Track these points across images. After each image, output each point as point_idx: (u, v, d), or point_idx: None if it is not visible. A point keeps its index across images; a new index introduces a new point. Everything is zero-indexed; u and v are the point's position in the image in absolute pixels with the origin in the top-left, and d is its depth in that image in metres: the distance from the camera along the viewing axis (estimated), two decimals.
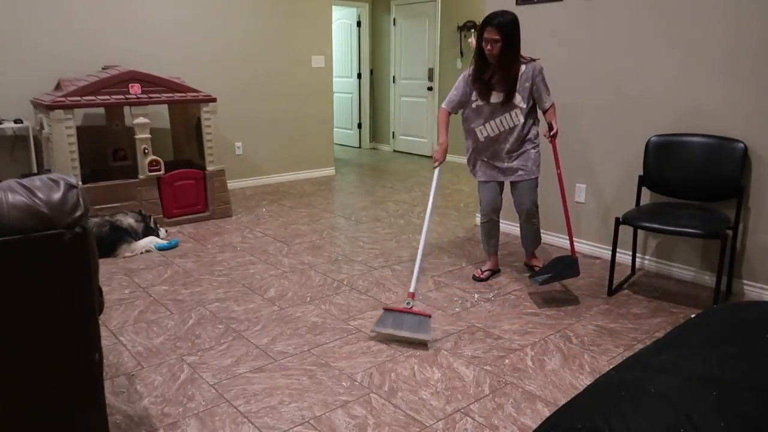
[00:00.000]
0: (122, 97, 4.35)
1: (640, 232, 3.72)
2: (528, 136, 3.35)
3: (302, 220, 4.85)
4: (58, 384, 1.58)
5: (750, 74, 3.16)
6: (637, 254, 3.75)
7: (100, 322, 1.68)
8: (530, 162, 3.37)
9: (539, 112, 3.40)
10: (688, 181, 3.34)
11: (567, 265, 3.28)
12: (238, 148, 6.00)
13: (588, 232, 4.04)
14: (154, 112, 5.07)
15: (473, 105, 3.33)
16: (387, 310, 2.83)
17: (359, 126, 8.95)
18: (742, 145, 3.17)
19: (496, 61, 3.15)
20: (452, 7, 7.41)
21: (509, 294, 3.35)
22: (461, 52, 7.39)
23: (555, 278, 3.21)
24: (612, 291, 3.36)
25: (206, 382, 2.42)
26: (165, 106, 5.20)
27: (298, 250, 4.11)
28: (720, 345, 1.29)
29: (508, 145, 3.34)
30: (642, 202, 3.54)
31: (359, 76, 8.70)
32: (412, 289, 2.95)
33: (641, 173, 3.53)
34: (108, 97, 4.30)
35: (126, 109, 4.76)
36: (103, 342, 2.72)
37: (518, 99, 3.24)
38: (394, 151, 8.62)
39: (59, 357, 1.57)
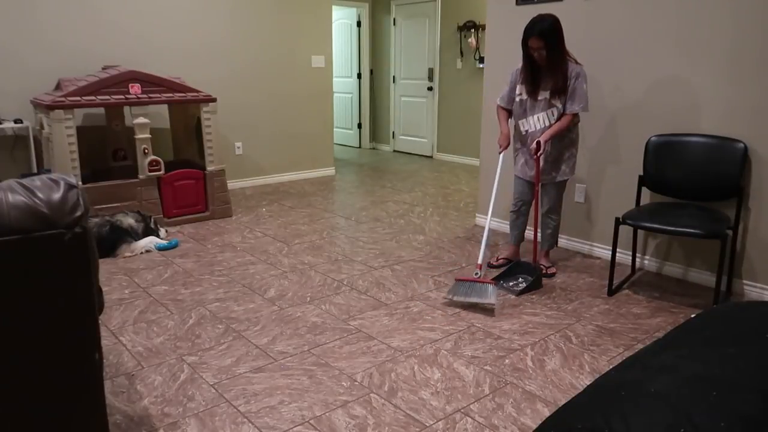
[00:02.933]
0: (122, 97, 4.35)
1: (640, 232, 3.72)
2: (564, 138, 3.42)
3: (302, 220, 4.85)
4: (58, 384, 1.58)
5: (750, 74, 3.16)
6: (637, 254, 3.75)
7: (100, 322, 1.68)
8: (563, 164, 3.47)
9: (580, 115, 3.55)
10: (688, 181, 3.34)
11: (534, 278, 3.41)
12: (238, 148, 6.00)
13: (588, 232, 4.04)
14: (154, 112, 5.08)
15: (517, 99, 3.46)
16: (458, 280, 3.22)
17: (359, 126, 8.95)
18: (742, 145, 3.17)
19: (545, 64, 3.28)
20: (452, 7, 7.41)
21: (509, 294, 3.35)
22: (461, 52, 7.39)
23: (527, 290, 3.36)
24: (612, 291, 3.36)
25: (206, 382, 2.42)
26: (165, 106, 5.20)
27: (298, 250, 4.12)
28: (720, 345, 1.29)
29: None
30: (642, 202, 3.54)
31: (359, 76, 8.70)
32: (479, 261, 3.38)
33: (641, 173, 3.52)
34: (108, 97, 4.30)
35: (126, 109, 4.76)
36: (103, 342, 2.73)
37: (557, 99, 3.33)
38: (394, 151, 8.62)
39: (59, 357, 1.57)
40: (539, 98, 3.38)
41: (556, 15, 3.23)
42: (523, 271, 3.52)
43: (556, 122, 3.35)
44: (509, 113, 3.55)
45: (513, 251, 3.82)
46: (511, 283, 3.45)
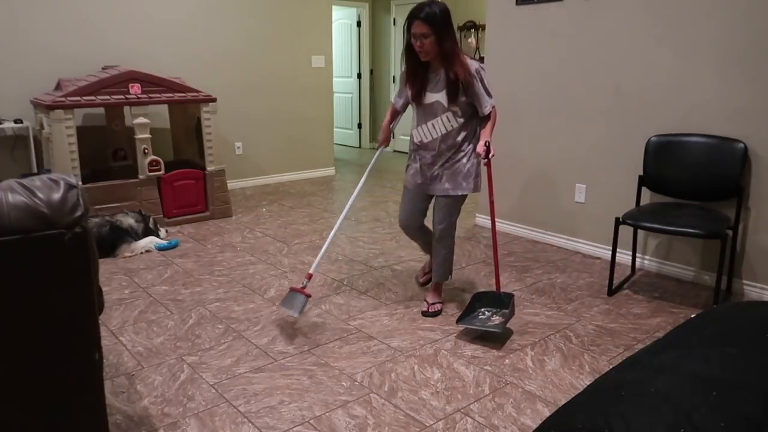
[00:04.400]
0: (122, 97, 4.35)
1: (640, 232, 3.72)
2: (463, 147, 2.89)
3: (302, 220, 4.85)
4: (58, 384, 1.58)
5: (750, 74, 3.16)
6: (637, 254, 3.75)
7: (100, 322, 1.67)
8: (460, 176, 2.90)
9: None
10: (688, 181, 3.34)
11: (510, 308, 2.84)
12: (238, 148, 6.00)
13: (588, 232, 4.04)
14: (154, 112, 5.07)
15: (414, 103, 2.94)
16: (291, 289, 2.96)
17: (359, 126, 8.95)
18: (742, 145, 3.17)
19: (429, 58, 2.75)
20: (452, 7, 7.37)
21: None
22: None
23: (506, 321, 2.81)
24: (612, 291, 3.36)
25: (206, 382, 2.42)
26: (165, 106, 5.20)
27: (298, 250, 4.11)
28: (720, 345, 1.29)
29: (438, 153, 2.90)
30: (642, 202, 3.54)
31: (359, 76, 8.70)
32: (311, 271, 3.05)
33: (641, 173, 3.52)
34: (108, 97, 4.30)
35: (126, 109, 4.76)
36: (103, 342, 2.72)
37: (451, 102, 2.80)
38: (394, 151, 8.62)
39: (59, 357, 1.57)
40: (426, 102, 2.85)
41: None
42: (488, 304, 2.94)
43: (457, 127, 2.84)
44: (396, 112, 3.11)
45: (429, 261, 3.30)
46: (485, 319, 2.87)
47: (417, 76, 2.84)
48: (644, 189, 3.57)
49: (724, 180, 3.22)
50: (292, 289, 2.95)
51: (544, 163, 4.22)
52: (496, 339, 2.78)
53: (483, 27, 6.82)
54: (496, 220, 4.62)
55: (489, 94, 2.82)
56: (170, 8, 5.31)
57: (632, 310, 3.15)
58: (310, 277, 3.02)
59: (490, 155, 2.74)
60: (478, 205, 4.79)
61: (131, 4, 5.09)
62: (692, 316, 1.55)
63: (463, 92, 2.77)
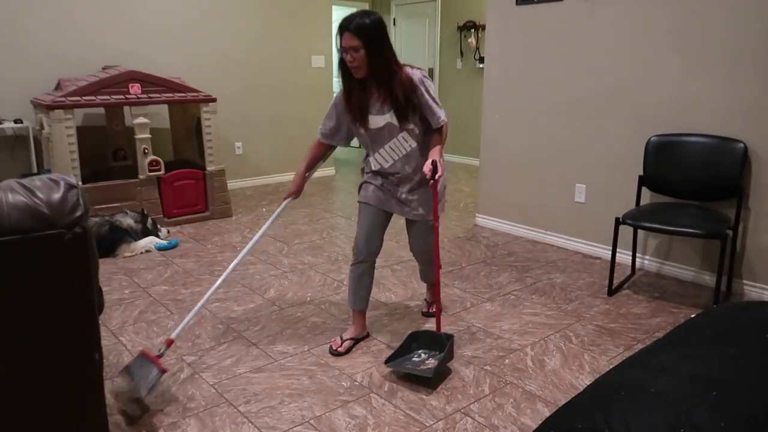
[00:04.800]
0: (122, 97, 4.35)
1: (640, 232, 3.72)
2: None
3: (302, 220, 4.85)
4: (58, 384, 1.58)
5: (750, 74, 3.16)
6: (637, 254, 3.75)
7: (100, 322, 1.67)
8: (433, 201, 2.64)
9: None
10: (687, 181, 3.34)
11: (447, 350, 2.50)
12: (238, 148, 6.00)
13: (588, 232, 4.03)
14: (154, 112, 5.07)
15: (359, 131, 2.62)
16: (143, 354, 2.32)
17: None
18: (742, 145, 3.17)
19: (363, 74, 2.45)
20: (452, 7, 7.41)
21: (509, 294, 3.35)
22: (461, 52, 7.39)
23: (442, 365, 2.47)
24: (612, 291, 3.36)
25: (206, 382, 2.42)
26: (165, 106, 5.20)
27: (298, 250, 4.11)
28: (720, 345, 1.29)
29: (405, 176, 2.64)
30: (642, 202, 3.54)
31: None
32: (173, 336, 2.45)
33: (641, 173, 3.52)
34: (108, 97, 4.30)
35: (126, 109, 4.76)
36: (103, 342, 2.71)
37: (405, 120, 2.53)
38: None
39: (59, 357, 1.57)
40: (374, 126, 2.55)
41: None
42: (425, 345, 2.60)
43: (416, 146, 2.58)
44: (323, 151, 2.77)
45: (359, 325, 2.76)
46: (419, 362, 2.53)
47: (352, 97, 2.52)
48: (644, 189, 3.57)
49: (724, 180, 3.22)
50: (144, 355, 2.30)
51: (544, 163, 4.22)
52: (427, 382, 2.40)
53: (483, 27, 6.82)
54: (495, 219, 4.64)
55: (438, 104, 2.56)
56: (170, 8, 5.31)
57: (632, 310, 3.15)
58: (170, 343, 2.41)
59: (437, 176, 2.46)
60: (478, 206, 4.79)
61: (131, 5, 5.09)
62: (692, 316, 1.55)
63: (413, 107, 2.51)
